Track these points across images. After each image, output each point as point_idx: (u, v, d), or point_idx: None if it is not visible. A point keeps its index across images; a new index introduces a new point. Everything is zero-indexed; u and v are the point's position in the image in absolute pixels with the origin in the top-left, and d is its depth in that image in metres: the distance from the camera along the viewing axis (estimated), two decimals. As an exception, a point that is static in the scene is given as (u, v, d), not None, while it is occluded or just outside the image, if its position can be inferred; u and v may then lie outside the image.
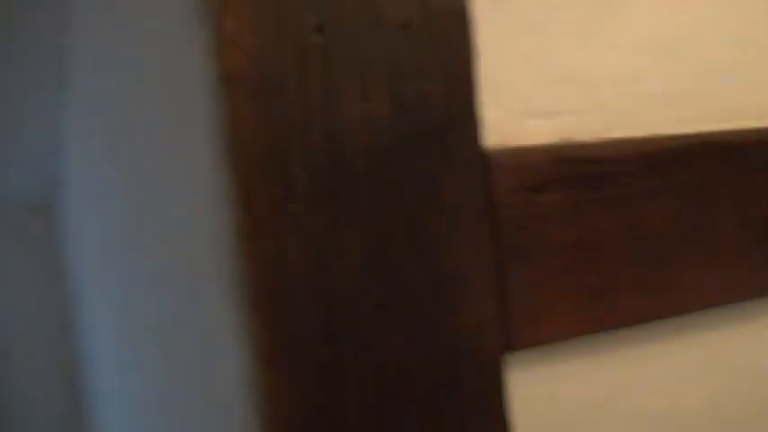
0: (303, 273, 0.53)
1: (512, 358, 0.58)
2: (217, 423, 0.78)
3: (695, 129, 0.70)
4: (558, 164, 0.62)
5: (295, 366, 0.56)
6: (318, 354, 0.55)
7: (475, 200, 0.56)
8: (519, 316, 0.58)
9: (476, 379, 0.55)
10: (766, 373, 0.75)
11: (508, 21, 0.62)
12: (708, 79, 0.72)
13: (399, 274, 0.53)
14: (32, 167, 1.40)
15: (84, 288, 1.40)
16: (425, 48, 0.57)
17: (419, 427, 0.56)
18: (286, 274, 0.54)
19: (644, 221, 0.66)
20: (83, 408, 1.57)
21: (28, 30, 1.11)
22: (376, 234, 0.52)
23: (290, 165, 0.50)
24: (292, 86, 0.50)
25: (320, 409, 0.57)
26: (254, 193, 0.51)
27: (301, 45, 0.52)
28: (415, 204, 0.54)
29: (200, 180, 0.61)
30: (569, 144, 0.64)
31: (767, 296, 0.73)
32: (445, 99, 0.56)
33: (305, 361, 0.56)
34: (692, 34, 0.71)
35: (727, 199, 0.71)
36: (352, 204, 0.52)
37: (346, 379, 0.56)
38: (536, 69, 0.63)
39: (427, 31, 0.57)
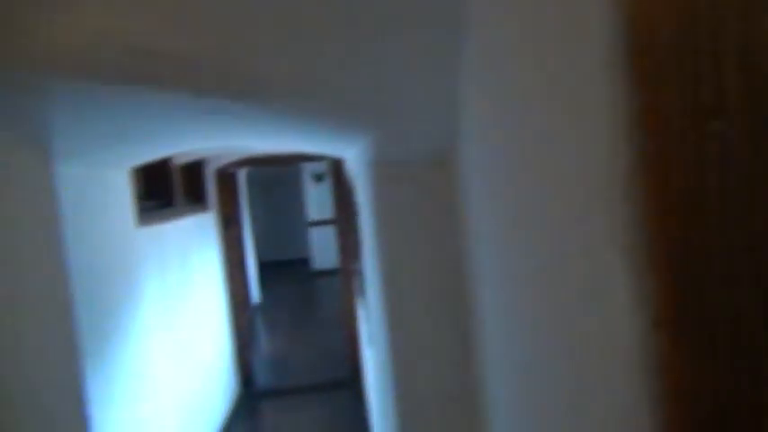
0: (726, 223, 0.39)
1: None
2: (595, 389, 0.69)
3: None
4: None
5: (704, 340, 0.43)
6: (739, 329, 0.41)
7: None
8: None
9: None
10: None
11: None
12: None
13: None
14: (433, 127, 1.48)
15: (475, 237, 1.45)
16: None
17: None
18: (700, 222, 0.41)
19: None
20: (471, 322, 1.65)
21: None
22: None
23: (717, 61, 0.36)
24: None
25: (734, 397, 0.43)
26: (660, 106, 0.38)
27: None
28: None
29: (591, 96, 0.51)
30: None
31: None
32: None
33: (719, 336, 0.42)
34: None
35: None
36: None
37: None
38: None
39: None
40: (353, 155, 3.23)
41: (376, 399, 3.45)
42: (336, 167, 5.99)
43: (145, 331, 3.53)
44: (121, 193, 3.46)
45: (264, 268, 11.67)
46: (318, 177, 11.96)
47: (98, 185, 3.14)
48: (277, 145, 4.23)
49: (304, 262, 12.58)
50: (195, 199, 5.25)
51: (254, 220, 11.69)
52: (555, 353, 0.86)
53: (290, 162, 6.44)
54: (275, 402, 5.96)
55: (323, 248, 11.65)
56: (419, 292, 1.69)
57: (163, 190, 4.48)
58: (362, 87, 1.30)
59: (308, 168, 12.00)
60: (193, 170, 5.23)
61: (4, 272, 1.25)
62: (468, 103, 1.30)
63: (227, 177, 6.11)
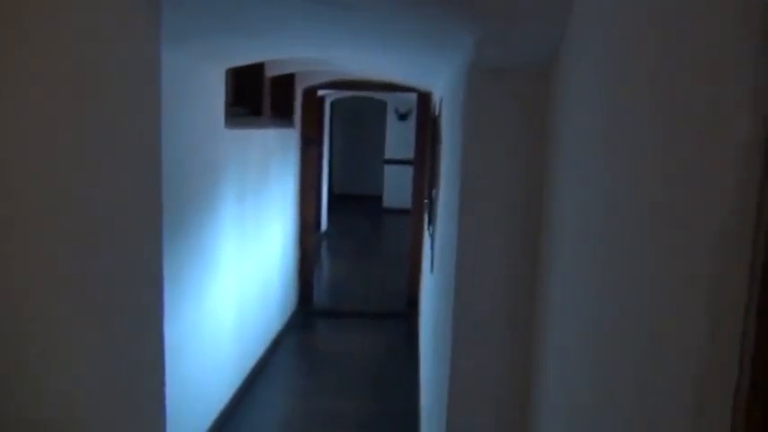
0: None
1: None
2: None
3: None
4: None
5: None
6: None
7: None
8: None
9: None
10: None
11: None
12: None
13: None
14: (538, 27, 1.43)
15: (565, 159, 1.41)
16: None
17: None
18: None
19: None
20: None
21: None
22: None
23: None
24: None
25: None
26: None
27: None
28: None
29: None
30: None
31: None
32: None
33: None
34: None
35: None
36: None
37: None
38: None
39: None
40: (444, 81, 3.19)
41: (430, 325, 3.51)
42: (423, 104, 5.94)
43: (218, 227, 3.68)
44: (216, 90, 3.55)
45: (336, 199, 11.87)
46: (402, 116, 11.92)
47: (195, 78, 3.24)
48: (368, 63, 4.20)
49: (376, 199, 12.70)
50: (281, 113, 5.35)
51: (333, 150, 11.83)
52: (635, 292, 0.85)
53: (378, 89, 6.41)
54: (330, 322, 6.15)
55: (396, 187, 11.71)
56: (495, 206, 1.68)
57: (252, 99, 4.58)
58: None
59: (393, 105, 11.96)
60: (283, 84, 5.30)
61: (104, 148, 1.30)
62: (578, 13, 1.26)
63: (313, 99, 6.17)
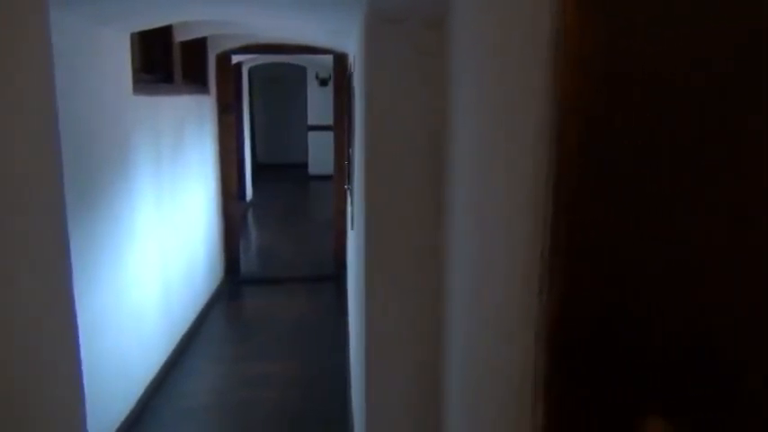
0: None
1: None
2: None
3: None
4: None
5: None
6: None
7: None
8: None
9: None
10: None
11: None
12: None
13: None
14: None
15: (460, 96, 1.46)
16: None
17: None
18: None
19: None
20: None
21: None
22: None
23: None
24: None
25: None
26: None
27: None
28: None
29: None
30: None
31: None
32: None
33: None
34: None
35: None
36: None
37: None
38: None
39: None
40: (355, 39, 3.19)
41: (354, 280, 3.57)
42: (339, 66, 5.90)
43: (133, 196, 3.59)
44: (120, 55, 3.42)
45: (261, 169, 11.70)
46: (323, 81, 11.81)
47: (96, 43, 3.11)
48: (279, 24, 4.14)
49: (301, 166, 12.60)
50: (195, 80, 5.20)
51: (255, 119, 11.60)
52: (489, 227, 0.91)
53: (294, 51, 6.32)
54: (258, 289, 6.14)
55: (320, 154, 11.63)
56: (399, 150, 1.72)
57: (162, 65, 4.43)
58: None
59: (313, 71, 11.82)
60: (194, 49, 5.15)
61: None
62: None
63: (227, 64, 6.03)
